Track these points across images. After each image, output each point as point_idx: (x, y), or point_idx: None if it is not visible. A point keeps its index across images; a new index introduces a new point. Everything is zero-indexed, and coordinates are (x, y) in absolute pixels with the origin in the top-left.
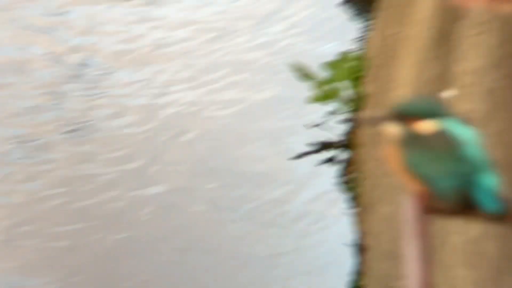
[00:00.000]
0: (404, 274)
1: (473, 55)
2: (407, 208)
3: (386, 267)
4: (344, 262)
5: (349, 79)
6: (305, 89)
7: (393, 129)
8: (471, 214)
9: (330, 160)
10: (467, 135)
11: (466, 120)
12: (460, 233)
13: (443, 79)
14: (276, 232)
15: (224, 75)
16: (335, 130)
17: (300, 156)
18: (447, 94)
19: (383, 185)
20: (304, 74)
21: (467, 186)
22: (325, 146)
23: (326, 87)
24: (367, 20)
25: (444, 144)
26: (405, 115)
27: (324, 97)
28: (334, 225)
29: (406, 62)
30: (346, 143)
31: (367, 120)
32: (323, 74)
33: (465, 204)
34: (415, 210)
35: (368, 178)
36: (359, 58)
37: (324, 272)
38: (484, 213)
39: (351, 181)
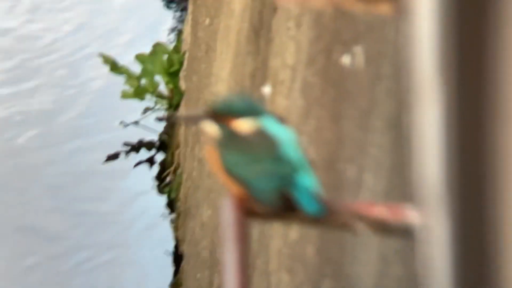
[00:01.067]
0: (222, 282)
1: (287, 50)
2: (226, 212)
3: (204, 276)
4: (164, 272)
5: (163, 73)
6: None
7: (210, 128)
8: (291, 216)
9: (148, 160)
10: (284, 134)
11: (282, 119)
12: (279, 237)
13: (260, 75)
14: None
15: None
16: (153, 129)
17: (116, 156)
18: (264, 90)
19: (204, 187)
20: (114, 66)
21: (286, 188)
22: (142, 145)
23: (139, 82)
24: (182, 9)
25: (261, 144)
26: (222, 114)
27: (137, 93)
28: (154, 231)
29: (223, 56)
30: (164, 143)
31: (184, 119)
32: (137, 67)
33: (284, 207)
34: (234, 214)
35: (187, 180)
36: (174, 51)
37: (145, 282)
38: (303, 214)
39: (170, 183)
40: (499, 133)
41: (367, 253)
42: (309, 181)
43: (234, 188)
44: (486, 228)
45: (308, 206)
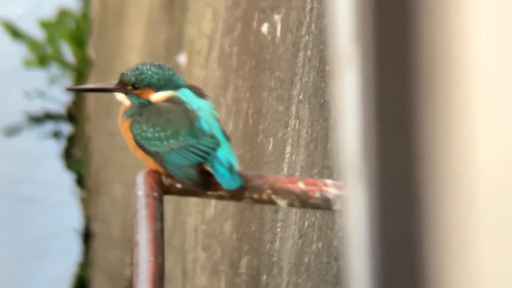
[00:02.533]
0: (135, 261)
1: (204, 18)
2: (139, 188)
3: (116, 255)
4: (71, 251)
5: (70, 41)
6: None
7: (122, 100)
8: (208, 192)
9: (54, 134)
10: (201, 107)
11: (200, 91)
12: (196, 213)
13: (176, 44)
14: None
15: None
16: (58, 100)
17: (17, 129)
18: (180, 60)
19: (116, 163)
20: (15, 33)
21: (203, 162)
22: (48, 117)
23: (42, 50)
24: None
25: (177, 117)
26: (135, 85)
27: (41, 61)
28: (60, 210)
29: (135, 24)
30: (72, 115)
31: (94, 90)
32: (39, 33)
33: (201, 182)
34: (148, 190)
35: (98, 155)
36: (82, 18)
37: (48, 262)
38: (221, 189)
39: (78, 158)
40: (419, 102)
41: (287, 229)
42: (226, 156)
43: (149, 163)
44: (403, 199)
45: (225, 181)
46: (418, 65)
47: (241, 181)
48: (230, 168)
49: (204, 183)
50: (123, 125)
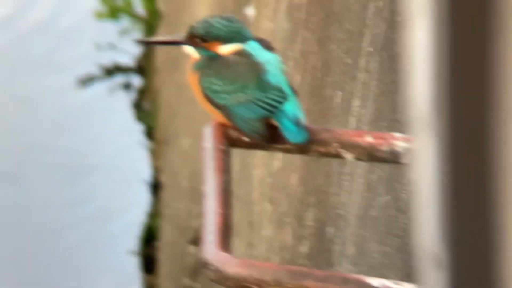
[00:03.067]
0: (202, 212)
1: None
2: (207, 140)
3: (184, 206)
4: (140, 201)
5: None
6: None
7: (191, 53)
8: (274, 145)
9: (124, 86)
10: (269, 60)
11: (268, 44)
12: (262, 166)
13: None
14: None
15: None
16: (128, 52)
17: (89, 80)
18: (248, 12)
19: (183, 115)
20: None
21: (270, 116)
22: (118, 69)
23: (114, 2)
24: None
25: (245, 71)
26: (203, 38)
27: (112, 13)
28: (129, 160)
29: None
30: (141, 67)
31: (163, 42)
32: None
33: (268, 136)
34: (215, 142)
35: (166, 107)
36: None
37: (118, 212)
38: (287, 142)
39: (147, 110)
40: (494, 54)
41: (354, 182)
42: (293, 110)
43: (216, 116)
44: (475, 152)
45: (291, 134)
46: (494, 17)
47: (308, 135)
48: (297, 122)
49: (270, 137)
50: (191, 78)
